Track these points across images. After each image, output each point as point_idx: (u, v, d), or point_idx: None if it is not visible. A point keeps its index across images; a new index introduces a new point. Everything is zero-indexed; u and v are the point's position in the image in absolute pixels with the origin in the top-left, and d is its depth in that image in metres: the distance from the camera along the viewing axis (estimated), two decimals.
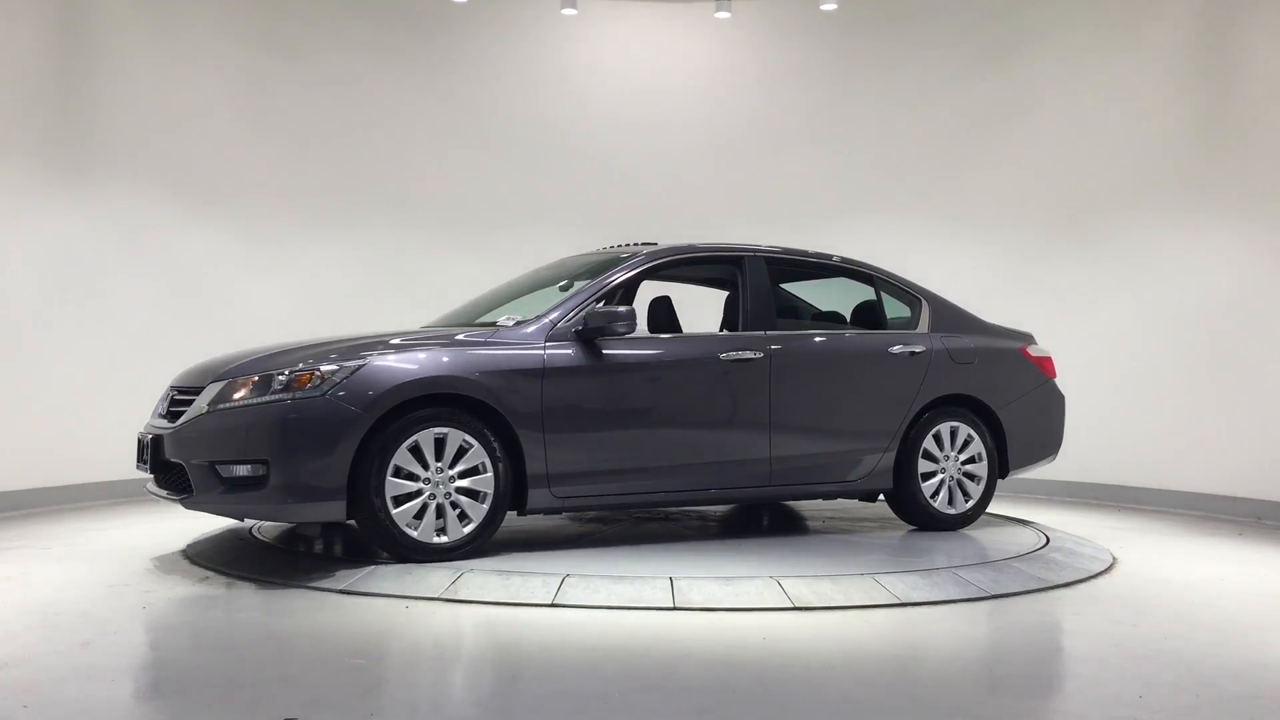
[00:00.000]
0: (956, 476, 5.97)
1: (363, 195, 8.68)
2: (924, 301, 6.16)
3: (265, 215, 8.33)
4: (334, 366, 4.64)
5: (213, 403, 4.71)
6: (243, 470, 4.56)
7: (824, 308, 6.43)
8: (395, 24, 8.80)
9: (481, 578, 4.48)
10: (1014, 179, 8.51)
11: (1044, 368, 6.40)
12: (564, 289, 5.52)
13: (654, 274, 5.76)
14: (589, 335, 5.10)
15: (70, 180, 7.22)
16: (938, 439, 5.92)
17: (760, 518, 6.51)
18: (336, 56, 8.65)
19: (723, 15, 8.81)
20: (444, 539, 4.73)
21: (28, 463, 6.86)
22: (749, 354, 5.46)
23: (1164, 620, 4.26)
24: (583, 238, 7.37)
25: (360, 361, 4.67)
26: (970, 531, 5.91)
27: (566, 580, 4.44)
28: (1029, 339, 6.49)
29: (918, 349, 5.94)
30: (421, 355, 4.80)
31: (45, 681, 3.21)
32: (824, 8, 8.71)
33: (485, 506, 4.80)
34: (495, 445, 4.81)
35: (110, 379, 7.28)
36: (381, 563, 4.70)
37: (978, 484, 6.03)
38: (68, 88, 7.24)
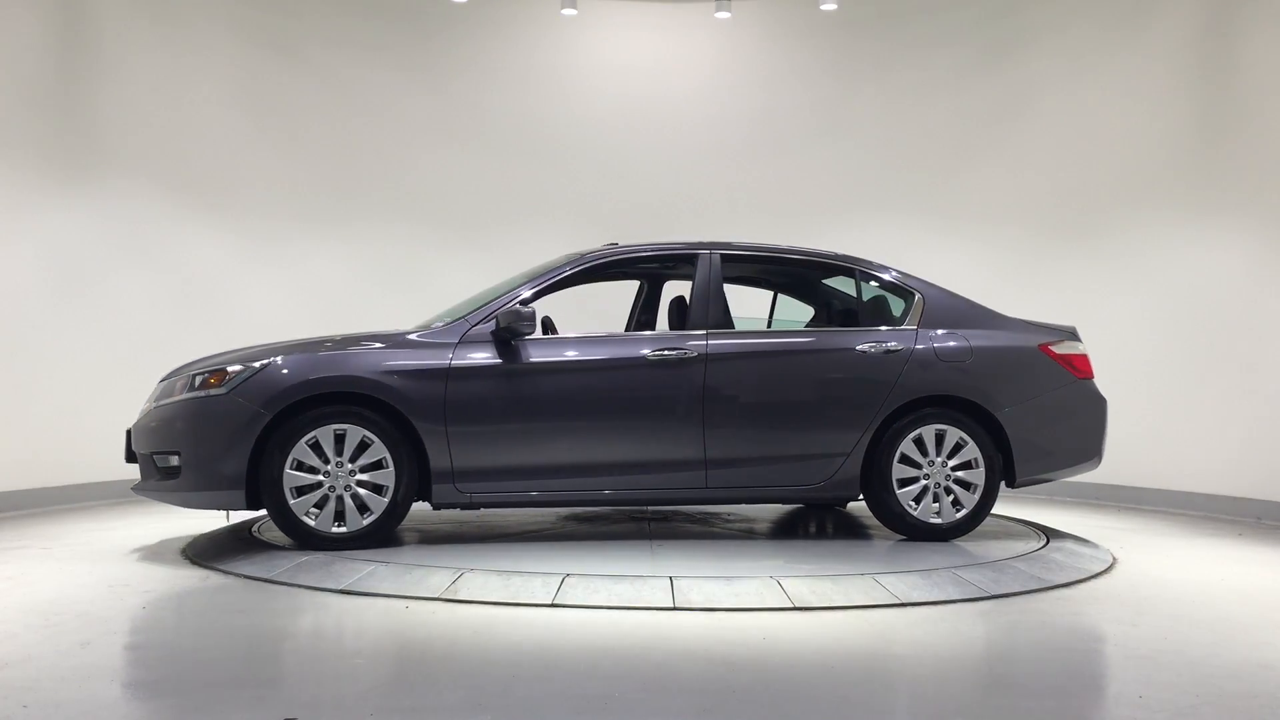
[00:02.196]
0: (944, 484, 5.53)
1: (362, 195, 8.69)
2: (918, 295, 5.77)
3: (265, 215, 8.33)
4: (239, 367, 5.05)
5: (157, 399, 5.25)
6: (171, 461, 5.06)
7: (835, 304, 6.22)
8: (395, 24, 8.80)
9: (482, 578, 4.48)
10: (1014, 178, 8.51)
11: (1072, 366, 5.81)
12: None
13: (593, 276, 5.74)
14: (503, 336, 5.22)
15: (70, 180, 7.22)
16: (920, 443, 5.52)
17: (809, 520, 6.50)
18: (336, 56, 8.65)
19: (723, 15, 8.82)
20: (342, 529, 5.00)
21: (28, 463, 6.86)
22: (679, 352, 5.36)
23: (1164, 620, 4.26)
24: (582, 237, 7.37)
25: (265, 362, 5.04)
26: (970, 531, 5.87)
27: (566, 580, 4.44)
28: (1058, 334, 5.92)
29: (893, 346, 5.56)
30: (324, 356, 5.12)
31: (45, 681, 3.21)
32: (824, 8, 8.71)
33: (385, 500, 5.02)
34: (398, 441, 5.03)
35: (110, 379, 7.28)
36: (382, 563, 4.71)
37: (973, 492, 5.54)
38: (68, 88, 7.24)
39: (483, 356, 5.19)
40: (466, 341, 5.21)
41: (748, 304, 6.56)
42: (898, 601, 4.37)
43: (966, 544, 5.51)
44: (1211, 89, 7.61)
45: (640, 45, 9.18)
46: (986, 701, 3.27)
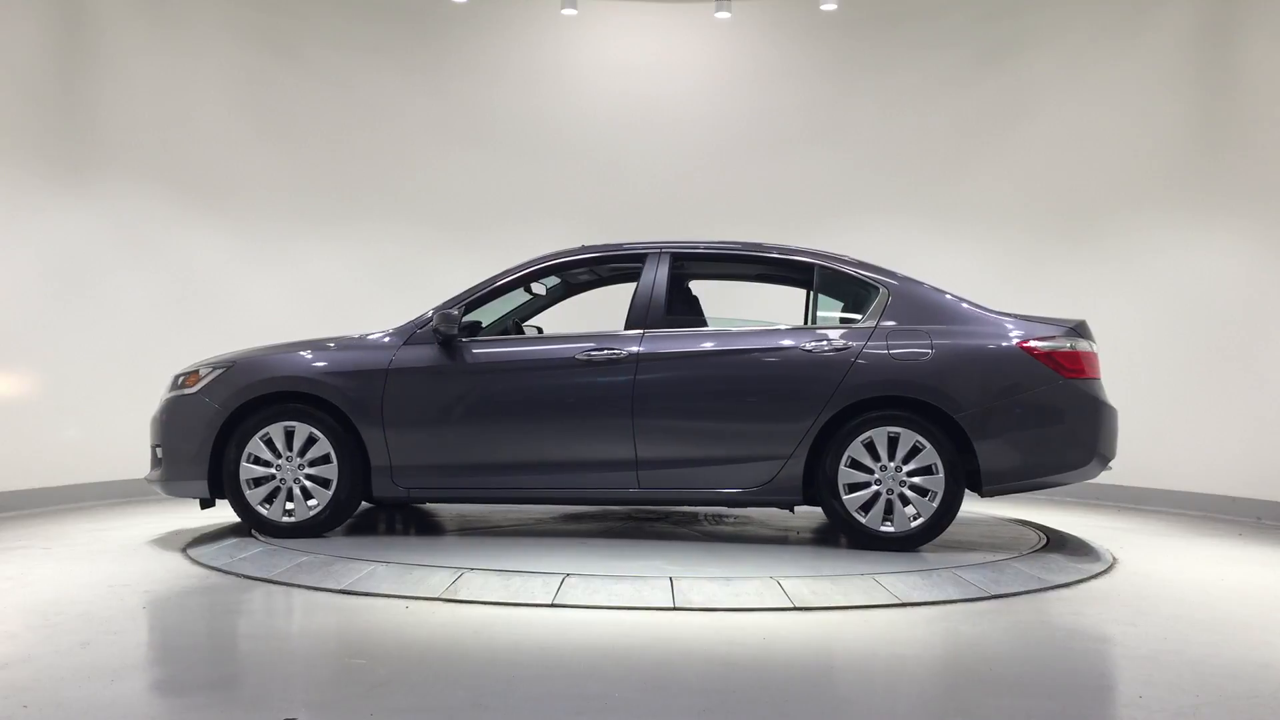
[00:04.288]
0: (899, 490, 5.19)
1: (363, 195, 8.69)
2: (882, 290, 5.42)
3: (265, 215, 8.33)
4: (209, 368, 5.47)
5: (162, 396, 5.63)
6: (160, 453, 5.52)
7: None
8: (395, 24, 8.80)
9: (481, 577, 4.49)
10: (1013, 180, 8.51)
11: (1057, 364, 5.26)
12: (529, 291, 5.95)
13: (544, 277, 5.84)
14: (442, 338, 5.42)
15: (70, 180, 7.22)
16: (871, 447, 5.19)
17: (809, 521, 6.50)
18: (336, 56, 8.65)
19: (723, 15, 8.82)
20: (290, 519, 5.36)
21: (28, 463, 6.86)
22: (610, 353, 5.34)
23: (1164, 620, 4.26)
24: (581, 237, 7.37)
25: (229, 364, 5.45)
26: (969, 532, 5.88)
27: (566, 580, 4.45)
28: (1052, 330, 5.35)
29: (841, 344, 5.27)
30: (274, 359, 5.47)
31: (45, 681, 3.21)
32: (824, 8, 8.71)
33: (330, 492, 5.34)
34: (342, 437, 5.33)
35: (111, 379, 7.28)
36: (381, 563, 4.71)
37: (931, 500, 5.16)
38: (68, 88, 7.24)
39: (421, 357, 5.41)
40: (411, 343, 5.44)
41: (758, 306, 6.56)
42: (898, 601, 4.37)
43: (966, 544, 5.51)
44: (1209, 92, 7.62)
45: (640, 45, 9.18)
46: (986, 701, 3.27)
